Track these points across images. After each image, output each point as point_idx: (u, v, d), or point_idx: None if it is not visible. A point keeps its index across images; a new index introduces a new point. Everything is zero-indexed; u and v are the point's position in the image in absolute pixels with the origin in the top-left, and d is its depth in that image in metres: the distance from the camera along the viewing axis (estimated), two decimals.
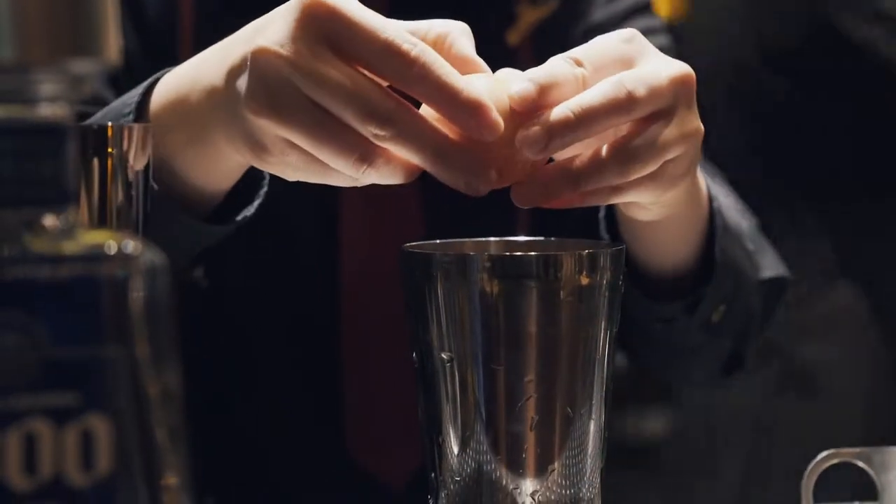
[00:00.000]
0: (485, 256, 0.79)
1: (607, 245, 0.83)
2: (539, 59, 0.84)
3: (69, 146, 0.51)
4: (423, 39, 0.81)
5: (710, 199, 1.06)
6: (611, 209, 1.04)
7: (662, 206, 0.91)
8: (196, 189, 0.93)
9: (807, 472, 0.93)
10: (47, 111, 0.51)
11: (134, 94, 0.93)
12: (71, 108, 0.52)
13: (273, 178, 0.92)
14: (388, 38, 0.78)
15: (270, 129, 0.81)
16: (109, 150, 0.76)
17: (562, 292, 0.79)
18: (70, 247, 0.50)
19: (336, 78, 0.78)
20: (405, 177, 0.82)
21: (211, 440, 1.20)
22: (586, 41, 0.85)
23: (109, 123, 0.77)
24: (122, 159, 0.77)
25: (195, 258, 1.05)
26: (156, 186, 0.90)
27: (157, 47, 1.15)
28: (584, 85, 0.81)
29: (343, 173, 0.82)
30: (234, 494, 1.21)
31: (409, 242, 0.84)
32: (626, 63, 0.83)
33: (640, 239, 1.03)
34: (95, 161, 0.76)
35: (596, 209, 1.06)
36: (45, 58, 0.50)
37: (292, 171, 0.84)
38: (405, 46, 0.78)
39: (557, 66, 0.82)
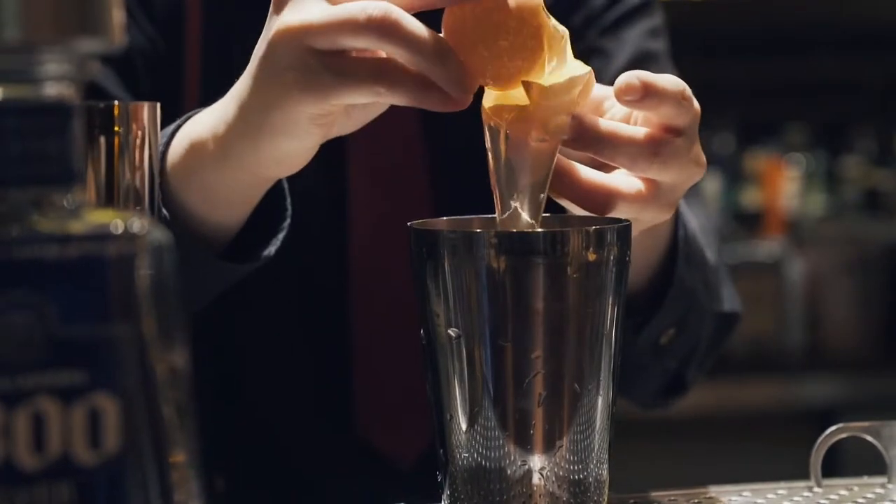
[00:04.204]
0: (491, 233, 0.79)
1: (614, 221, 0.83)
2: None
3: (75, 125, 0.51)
4: None
5: (677, 226, 1.06)
6: None
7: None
8: (209, 225, 0.96)
9: (815, 447, 0.93)
10: (53, 90, 0.51)
11: (159, 143, 0.95)
12: (76, 88, 0.52)
13: None
14: (346, 19, 0.81)
15: (324, 103, 0.84)
16: (116, 128, 0.77)
17: (569, 268, 0.79)
18: (77, 226, 0.50)
19: (326, 17, 0.81)
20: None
21: (221, 421, 1.20)
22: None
23: (116, 102, 0.78)
24: (130, 137, 0.77)
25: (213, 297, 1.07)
26: (167, 213, 0.93)
27: (165, 43, 1.16)
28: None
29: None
30: (245, 474, 1.21)
31: (417, 220, 0.84)
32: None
33: None
34: (102, 139, 0.76)
35: None
36: (51, 37, 0.50)
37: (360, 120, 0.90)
38: (361, 17, 0.80)
39: (673, 83, 0.84)
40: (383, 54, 0.83)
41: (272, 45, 0.84)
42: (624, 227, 0.81)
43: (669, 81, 0.84)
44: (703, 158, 0.89)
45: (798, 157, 3.13)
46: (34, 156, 0.51)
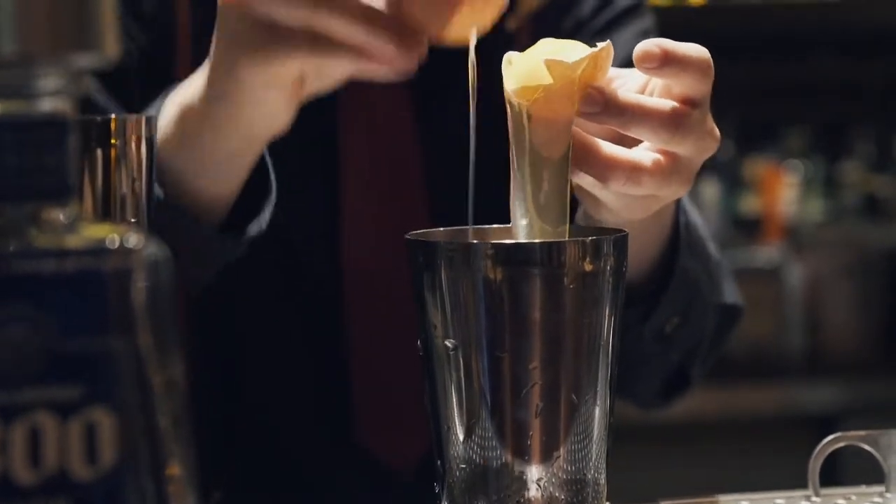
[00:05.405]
0: (488, 244, 0.80)
1: (610, 232, 0.83)
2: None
3: (71, 140, 0.52)
4: None
5: (678, 213, 1.06)
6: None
7: (629, 212, 0.91)
8: (204, 200, 0.97)
9: (813, 456, 0.93)
10: (49, 105, 0.51)
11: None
12: (72, 102, 0.52)
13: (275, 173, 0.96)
14: None
15: (271, 69, 0.87)
16: (113, 141, 0.77)
17: (565, 279, 0.79)
18: (73, 241, 0.50)
19: None
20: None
21: (219, 428, 1.20)
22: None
23: (113, 115, 0.78)
24: (126, 150, 0.78)
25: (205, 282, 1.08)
26: (160, 191, 0.94)
27: (155, 55, 1.16)
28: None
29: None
30: (244, 482, 1.21)
31: (413, 230, 0.85)
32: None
33: None
34: (99, 153, 0.77)
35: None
36: (47, 52, 0.51)
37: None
38: None
39: (697, 51, 0.85)
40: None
41: (220, 13, 0.88)
42: (620, 238, 0.82)
43: (693, 49, 0.85)
44: (717, 131, 0.89)
45: (796, 163, 3.13)
46: (31, 170, 0.51)
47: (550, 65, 0.83)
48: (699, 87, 0.86)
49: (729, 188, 3.09)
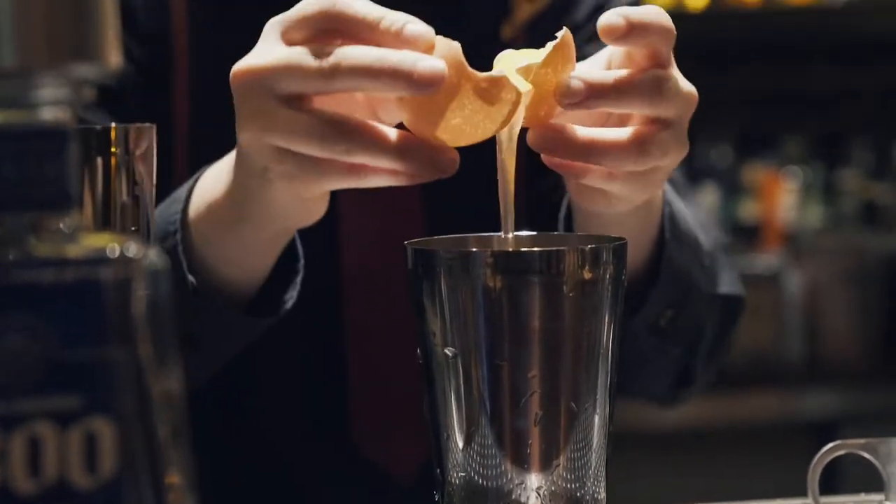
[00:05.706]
0: (488, 252, 0.80)
1: (610, 239, 0.83)
2: None
3: (71, 149, 0.52)
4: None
5: (664, 205, 1.06)
6: (568, 210, 1.04)
7: (640, 191, 0.92)
8: (234, 283, 1.00)
9: (812, 464, 0.93)
10: (49, 115, 0.51)
11: (176, 211, 0.99)
12: (72, 112, 0.52)
13: None
14: (305, 67, 0.82)
15: (303, 193, 0.89)
16: (113, 150, 0.77)
17: (565, 287, 0.79)
18: (73, 250, 0.50)
19: (284, 125, 0.83)
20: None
21: (215, 435, 1.20)
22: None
23: (113, 124, 0.78)
24: (126, 159, 0.78)
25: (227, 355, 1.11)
26: (193, 280, 0.97)
27: (151, 69, 1.16)
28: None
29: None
30: (240, 489, 1.21)
31: (410, 237, 0.85)
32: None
33: None
34: (99, 161, 0.77)
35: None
36: (47, 63, 0.51)
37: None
38: (316, 65, 0.82)
39: (655, 12, 0.86)
40: None
41: (241, 149, 0.89)
42: (619, 246, 0.82)
43: (653, 12, 0.86)
44: (692, 86, 0.89)
45: (795, 170, 3.13)
46: (31, 180, 0.51)
47: (524, 72, 0.83)
48: (664, 47, 0.87)
49: (728, 194, 3.09)
